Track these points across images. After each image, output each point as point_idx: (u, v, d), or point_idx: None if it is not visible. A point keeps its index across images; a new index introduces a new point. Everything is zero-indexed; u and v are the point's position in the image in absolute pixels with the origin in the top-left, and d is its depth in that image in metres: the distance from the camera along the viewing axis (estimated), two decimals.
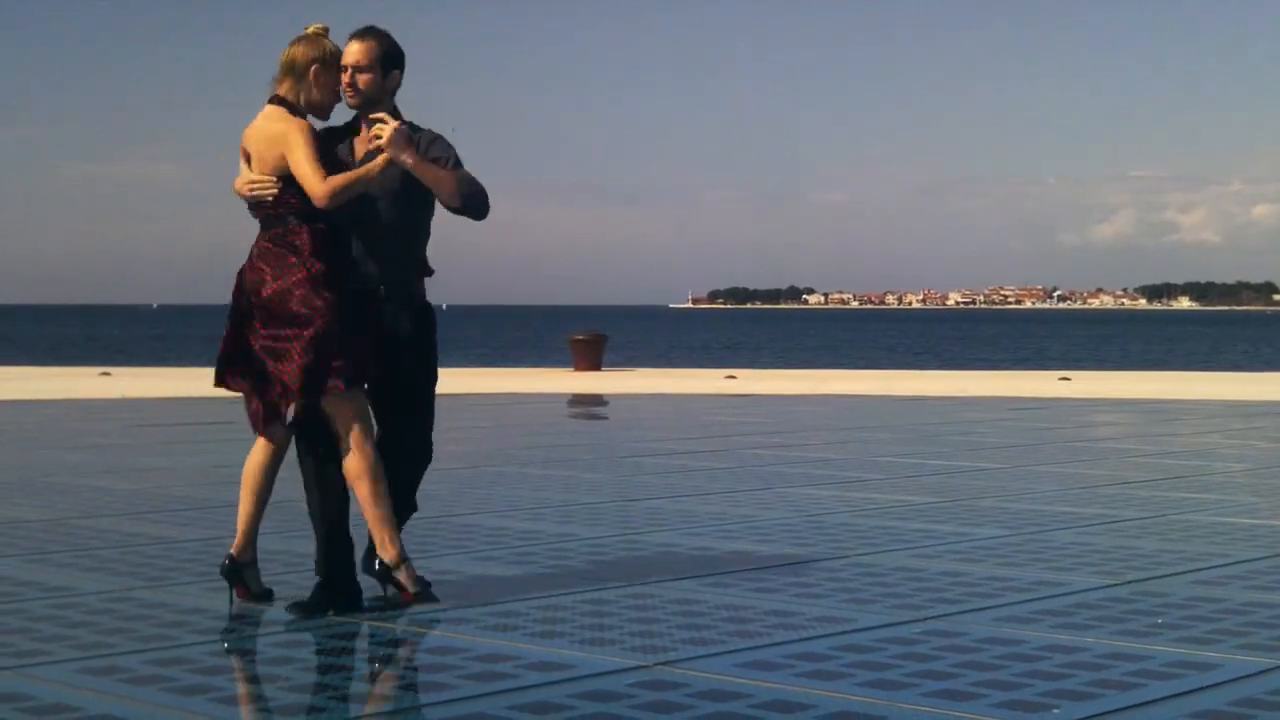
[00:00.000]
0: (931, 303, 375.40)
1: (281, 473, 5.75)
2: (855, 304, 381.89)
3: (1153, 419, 16.37)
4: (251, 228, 5.68)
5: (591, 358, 29.36)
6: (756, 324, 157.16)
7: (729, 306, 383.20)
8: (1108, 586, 6.18)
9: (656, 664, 4.80)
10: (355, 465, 5.56)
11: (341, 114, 5.79)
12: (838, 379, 26.73)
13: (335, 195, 5.50)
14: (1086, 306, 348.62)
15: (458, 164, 5.67)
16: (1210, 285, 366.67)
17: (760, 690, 4.47)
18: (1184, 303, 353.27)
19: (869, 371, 35.26)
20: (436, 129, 5.76)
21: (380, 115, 5.64)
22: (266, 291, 5.52)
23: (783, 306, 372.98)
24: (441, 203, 5.64)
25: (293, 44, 5.70)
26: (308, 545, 5.89)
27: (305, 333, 5.45)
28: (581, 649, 5.01)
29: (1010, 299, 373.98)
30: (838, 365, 47.96)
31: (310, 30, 5.71)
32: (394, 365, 5.70)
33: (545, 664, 4.80)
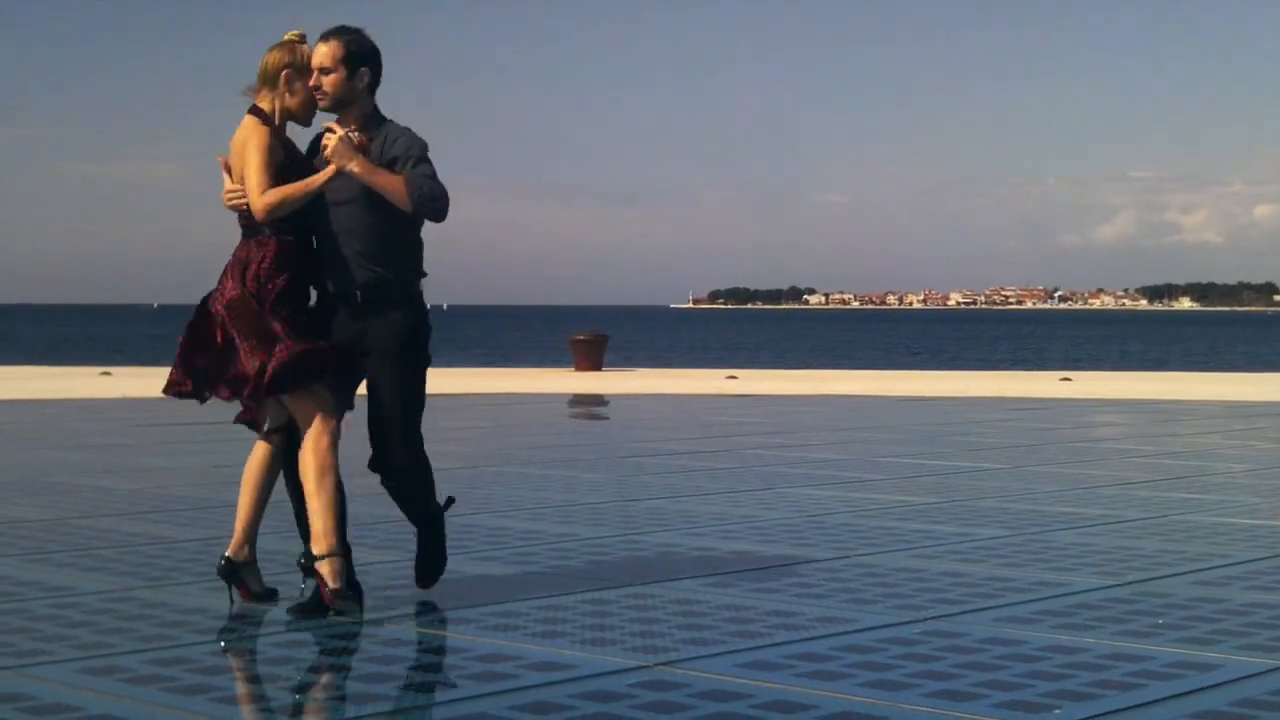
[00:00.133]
0: (932, 303, 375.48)
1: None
2: (856, 304, 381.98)
3: (1153, 419, 16.37)
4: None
5: (592, 358, 29.37)
6: (757, 324, 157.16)
7: (730, 307, 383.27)
8: (1109, 587, 6.17)
9: (657, 664, 4.79)
10: (306, 461, 5.52)
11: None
12: (838, 379, 26.72)
13: (272, 209, 5.48)
14: (1087, 307, 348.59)
15: (419, 161, 5.52)
16: (1211, 286, 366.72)
17: (761, 690, 4.47)
18: (1185, 303, 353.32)
19: (870, 372, 35.27)
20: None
21: (329, 124, 5.61)
22: (225, 298, 5.54)
23: (783, 307, 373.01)
24: (397, 206, 5.52)
25: (268, 51, 5.69)
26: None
27: (253, 340, 5.47)
28: (582, 649, 5.01)
29: (1011, 299, 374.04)
30: (838, 366, 47.95)
31: (286, 37, 5.69)
32: (370, 379, 5.64)
33: (546, 664, 4.80)
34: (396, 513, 8.24)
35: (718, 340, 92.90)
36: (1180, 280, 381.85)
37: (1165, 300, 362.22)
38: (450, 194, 5.56)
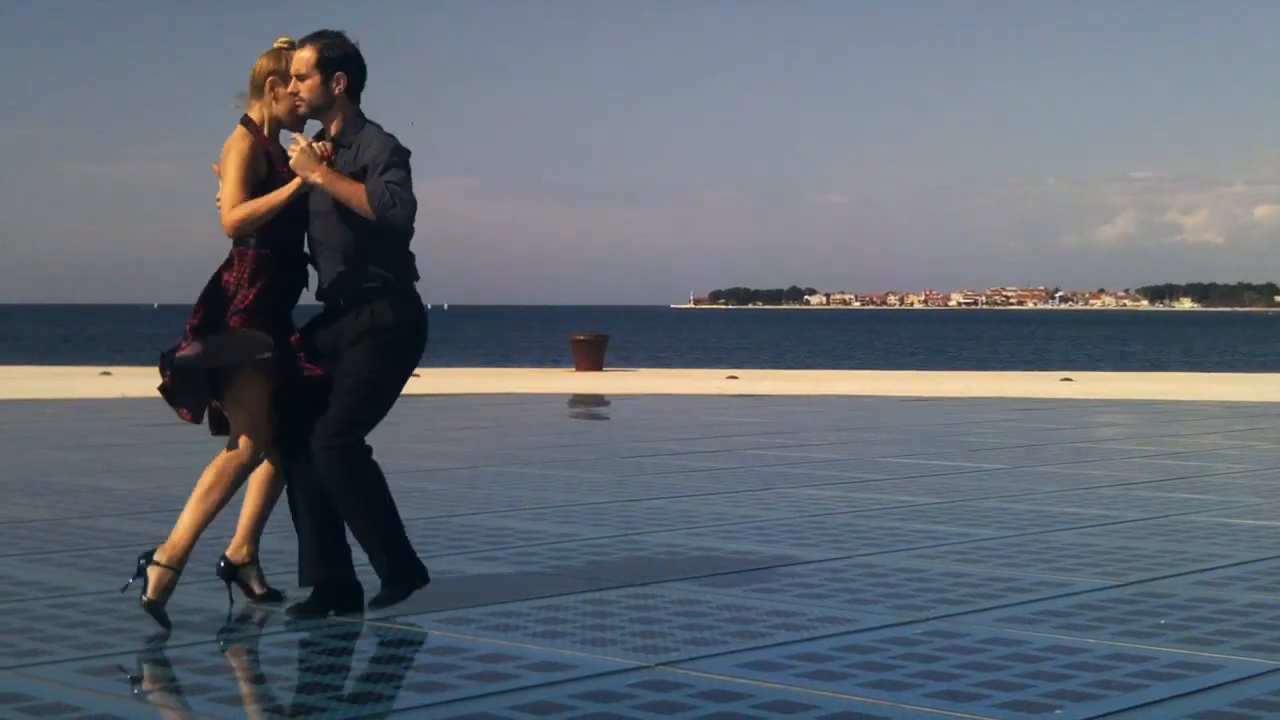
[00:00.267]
0: (933, 303, 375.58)
1: None
2: (857, 304, 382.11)
3: (1154, 420, 16.36)
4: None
5: (593, 358, 29.37)
6: (758, 324, 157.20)
7: (731, 307, 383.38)
8: (1110, 587, 6.17)
9: (658, 664, 4.79)
10: (208, 468, 5.52)
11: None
12: (839, 379, 26.72)
13: (238, 224, 5.46)
14: (1088, 308, 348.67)
15: (388, 168, 5.40)
16: (1212, 286, 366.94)
17: (762, 691, 4.47)
18: (1186, 304, 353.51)
19: (870, 372, 35.26)
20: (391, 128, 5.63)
21: (295, 135, 5.58)
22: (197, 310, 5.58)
23: (784, 307, 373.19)
24: (361, 214, 5.43)
25: (258, 59, 5.68)
26: None
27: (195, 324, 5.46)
28: (583, 649, 5.00)
29: (1012, 300, 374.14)
30: (838, 366, 47.95)
31: (276, 44, 5.67)
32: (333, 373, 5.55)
33: (546, 664, 4.80)
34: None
35: (718, 340, 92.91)
36: (1181, 281, 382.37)
37: (1166, 301, 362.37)
38: (419, 201, 5.43)
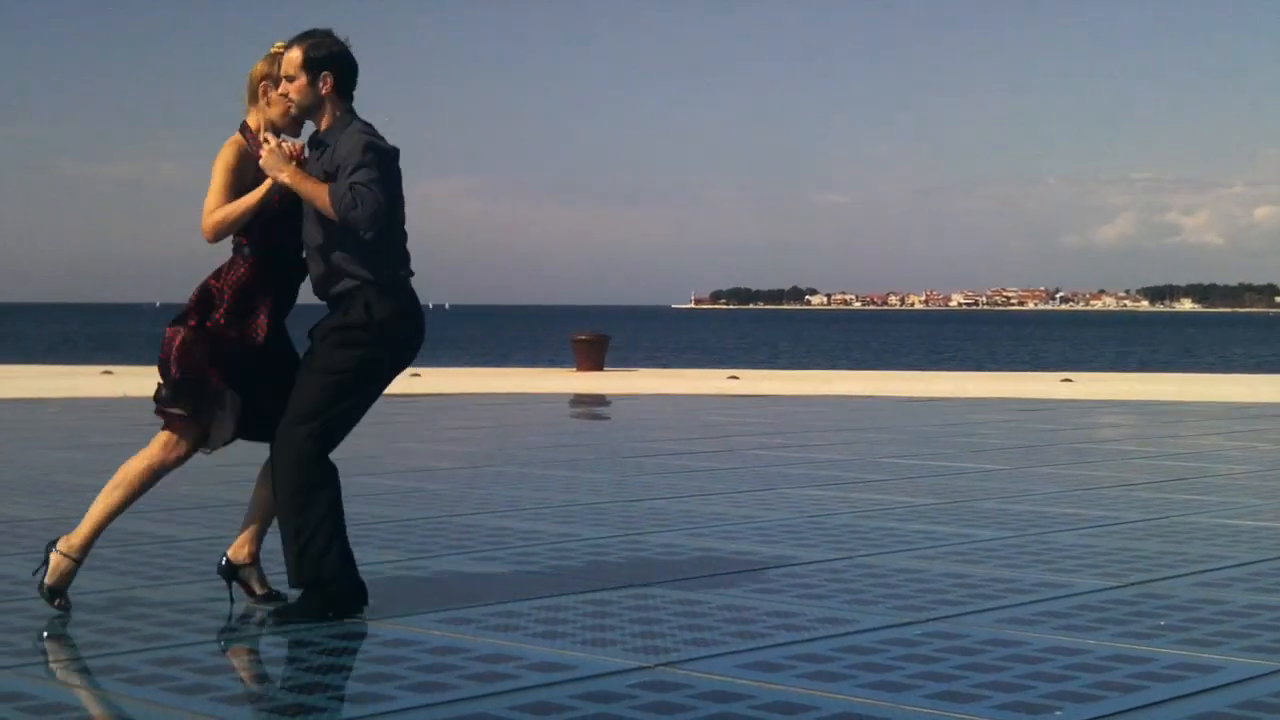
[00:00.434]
0: (934, 304, 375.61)
1: None
2: (858, 305, 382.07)
3: (1155, 420, 16.36)
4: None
5: (594, 358, 29.36)
6: (759, 325, 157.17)
7: (731, 307, 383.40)
8: (1110, 588, 6.17)
9: (658, 665, 4.79)
10: (126, 463, 5.63)
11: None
12: (839, 380, 26.71)
13: (216, 228, 5.50)
14: (1089, 308, 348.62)
15: (358, 168, 5.35)
16: (1213, 287, 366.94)
17: (762, 691, 4.47)
18: (1186, 305, 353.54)
19: (871, 372, 35.25)
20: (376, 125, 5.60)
21: (265, 135, 5.56)
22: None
23: (785, 307, 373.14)
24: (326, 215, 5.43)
25: (256, 64, 5.69)
26: None
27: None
28: (583, 649, 5.00)
29: (1013, 301, 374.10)
30: (839, 366, 47.93)
31: (273, 49, 5.68)
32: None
33: (547, 664, 4.80)
34: (397, 513, 8.27)
35: (719, 340, 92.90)
36: (1181, 281, 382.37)
37: (1166, 301, 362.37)
38: (383, 202, 5.33)
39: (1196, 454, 12.26)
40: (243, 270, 5.57)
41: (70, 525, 7.80)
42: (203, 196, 5.58)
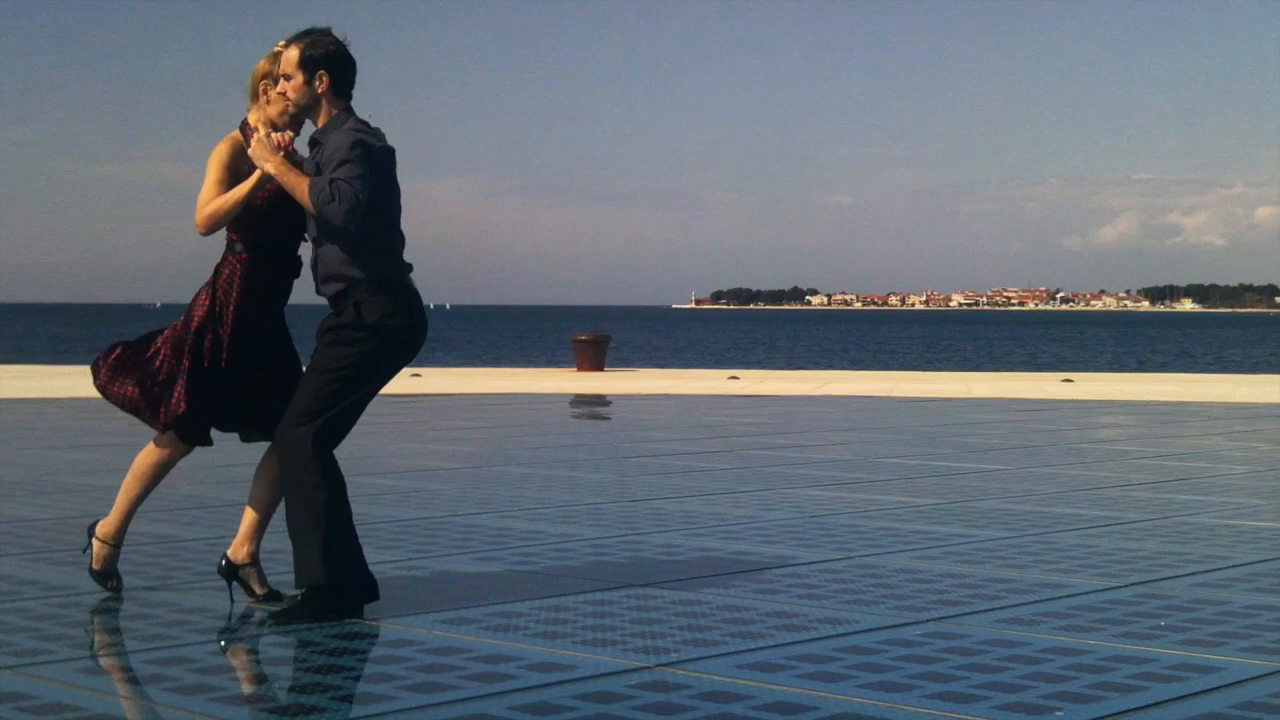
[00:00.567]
0: (934, 304, 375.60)
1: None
2: (859, 305, 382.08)
3: (1155, 421, 16.36)
4: None
5: (594, 358, 29.36)
6: (759, 325, 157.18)
7: (732, 307, 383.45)
8: (1110, 589, 6.17)
9: (658, 665, 4.79)
10: (137, 462, 5.86)
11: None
12: (840, 380, 26.70)
13: (207, 220, 5.57)
14: (1089, 308, 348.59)
15: (341, 164, 5.35)
16: (1213, 287, 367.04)
17: (762, 692, 4.46)
18: (1187, 305, 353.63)
19: (871, 372, 35.24)
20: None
21: (258, 126, 5.58)
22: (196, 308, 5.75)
23: (786, 307, 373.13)
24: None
25: (258, 62, 5.72)
26: None
27: (167, 353, 5.74)
28: (583, 650, 5.00)
29: (1013, 301, 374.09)
30: (840, 366, 47.91)
31: (275, 48, 5.69)
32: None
33: (547, 665, 4.79)
34: (398, 513, 8.26)
35: (719, 341, 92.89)
36: (1182, 282, 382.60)
37: (1167, 302, 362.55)
38: (361, 198, 5.32)
39: (1196, 454, 12.26)
40: (229, 271, 5.64)
41: (70, 525, 7.83)
42: None
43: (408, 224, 5.70)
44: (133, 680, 4.61)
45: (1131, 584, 6.28)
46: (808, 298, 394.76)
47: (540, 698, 4.40)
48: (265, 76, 5.65)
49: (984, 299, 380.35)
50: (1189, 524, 8.09)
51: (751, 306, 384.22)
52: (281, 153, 5.51)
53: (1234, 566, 6.74)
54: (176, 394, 5.63)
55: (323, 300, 5.68)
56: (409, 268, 5.65)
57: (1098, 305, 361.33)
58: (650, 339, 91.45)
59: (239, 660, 5.11)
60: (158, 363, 5.72)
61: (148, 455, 5.81)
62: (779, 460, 11.54)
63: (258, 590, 5.73)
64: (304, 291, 5.82)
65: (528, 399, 20.25)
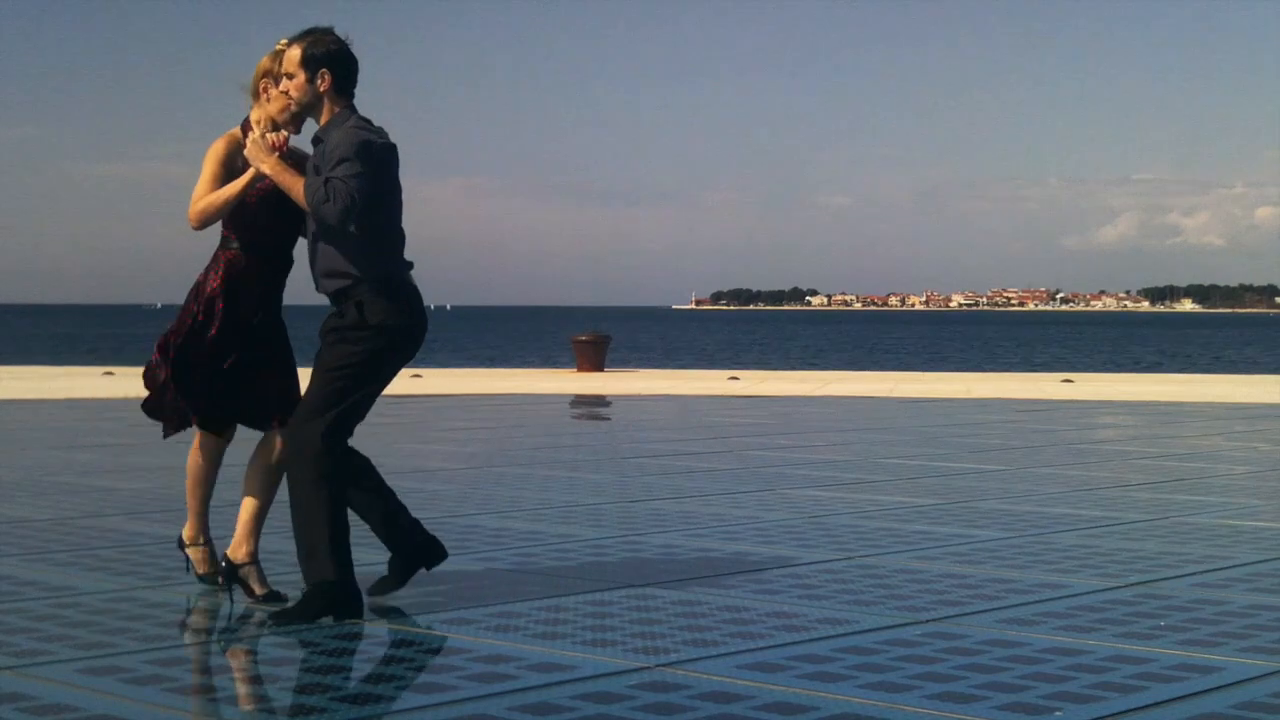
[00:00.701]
0: (934, 305, 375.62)
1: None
2: (859, 305, 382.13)
3: (1155, 421, 16.36)
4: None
5: (594, 358, 29.36)
6: (760, 325, 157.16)
7: (732, 308, 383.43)
8: (1110, 589, 6.17)
9: (658, 665, 4.79)
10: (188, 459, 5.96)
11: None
12: (840, 380, 26.70)
13: (199, 215, 5.60)
14: (1089, 309, 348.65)
15: (340, 163, 5.36)
16: (1213, 288, 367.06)
17: (762, 692, 4.47)
18: (1187, 305, 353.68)
19: (872, 373, 35.23)
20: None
21: (253, 125, 5.59)
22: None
23: (786, 308, 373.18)
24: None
25: (261, 60, 5.73)
26: None
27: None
28: (583, 650, 5.00)
29: (1013, 301, 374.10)
30: (840, 366, 47.91)
31: (277, 46, 5.70)
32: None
33: (547, 665, 4.80)
34: None
35: (719, 341, 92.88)
36: (1182, 282, 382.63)
37: (1167, 302, 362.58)
38: (357, 198, 5.32)
39: (1197, 454, 12.26)
40: (223, 269, 5.66)
41: (71, 526, 7.83)
42: None
43: (408, 223, 5.71)
44: (133, 680, 4.61)
45: (1131, 584, 6.28)
46: (808, 298, 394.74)
47: (540, 698, 4.40)
48: (267, 74, 5.66)
49: (984, 299, 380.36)
50: (1189, 524, 8.09)
51: (751, 307, 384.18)
52: (277, 153, 5.51)
53: (1234, 566, 6.74)
54: (172, 390, 5.65)
55: (321, 300, 5.69)
56: (409, 265, 5.66)
57: (1098, 305, 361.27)
58: (650, 339, 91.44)
59: (239, 660, 5.11)
60: (160, 372, 5.75)
61: (190, 455, 5.91)
62: (779, 461, 11.54)
63: (258, 590, 5.73)
64: (304, 292, 5.84)
65: (528, 399, 20.25)
